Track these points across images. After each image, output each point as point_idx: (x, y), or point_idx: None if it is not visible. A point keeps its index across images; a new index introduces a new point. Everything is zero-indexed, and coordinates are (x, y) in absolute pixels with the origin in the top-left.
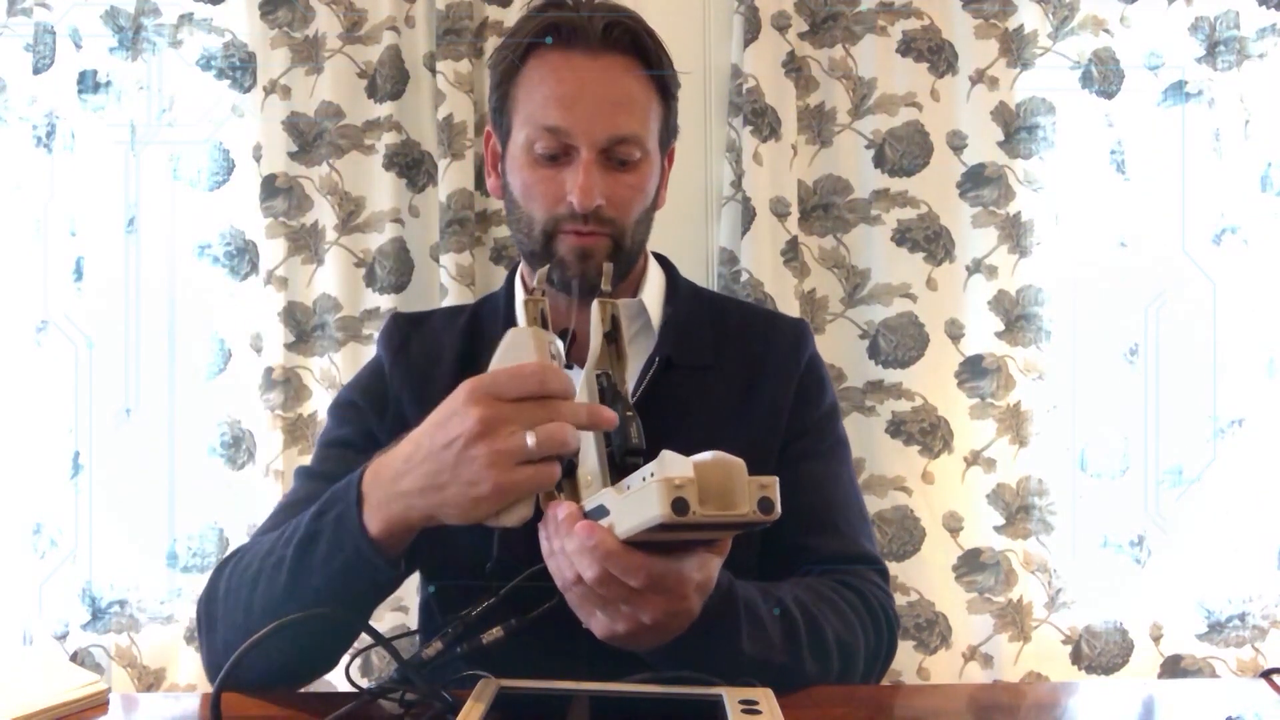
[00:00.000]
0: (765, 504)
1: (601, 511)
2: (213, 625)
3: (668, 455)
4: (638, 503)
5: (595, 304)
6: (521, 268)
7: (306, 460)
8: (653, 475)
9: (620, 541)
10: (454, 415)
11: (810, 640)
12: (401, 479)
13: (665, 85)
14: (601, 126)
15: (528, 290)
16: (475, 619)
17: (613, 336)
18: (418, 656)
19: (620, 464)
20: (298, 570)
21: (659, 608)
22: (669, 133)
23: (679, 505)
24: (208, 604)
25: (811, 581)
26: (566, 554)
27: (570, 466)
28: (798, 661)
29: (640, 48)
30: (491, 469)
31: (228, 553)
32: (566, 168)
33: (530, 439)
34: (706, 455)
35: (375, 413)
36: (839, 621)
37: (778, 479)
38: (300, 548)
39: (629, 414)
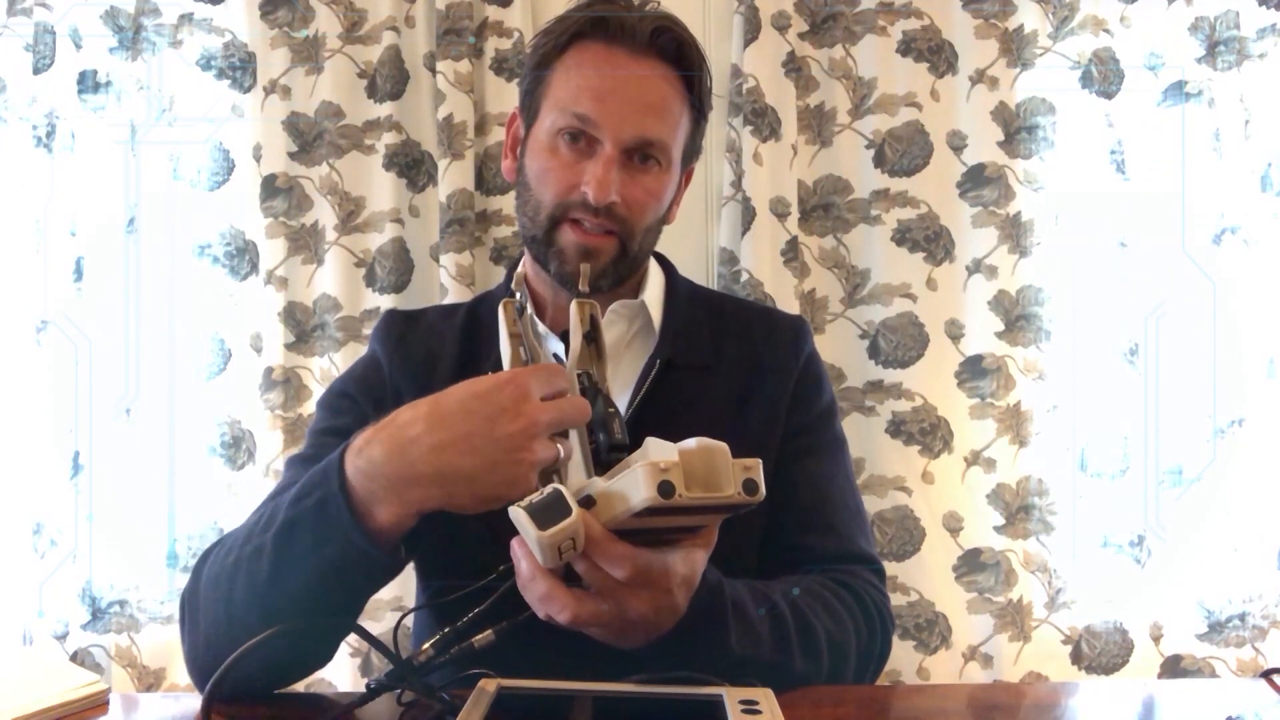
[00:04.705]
0: (749, 485)
1: (588, 503)
2: (194, 619)
3: (652, 442)
4: (624, 488)
5: (574, 304)
6: (523, 263)
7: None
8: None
9: (606, 530)
10: (503, 385)
11: (800, 638)
12: (414, 446)
13: (699, 102)
14: (630, 125)
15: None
16: (466, 623)
17: (592, 336)
18: (411, 660)
19: (605, 460)
20: (281, 560)
21: (645, 602)
22: (693, 151)
23: (665, 488)
24: (189, 597)
25: (805, 580)
26: None
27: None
28: (788, 659)
29: (683, 58)
30: (528, 437)
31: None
32: (588, 159)
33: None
34: (690, 441)
35: (371, 406)
36: (831, 620)
37: (761, 461)
38: (281, 535)
39: (611, 410)
